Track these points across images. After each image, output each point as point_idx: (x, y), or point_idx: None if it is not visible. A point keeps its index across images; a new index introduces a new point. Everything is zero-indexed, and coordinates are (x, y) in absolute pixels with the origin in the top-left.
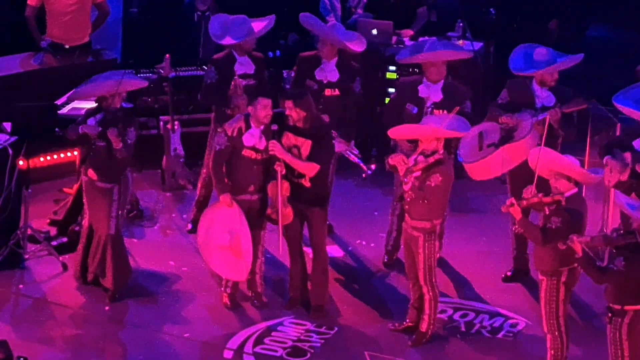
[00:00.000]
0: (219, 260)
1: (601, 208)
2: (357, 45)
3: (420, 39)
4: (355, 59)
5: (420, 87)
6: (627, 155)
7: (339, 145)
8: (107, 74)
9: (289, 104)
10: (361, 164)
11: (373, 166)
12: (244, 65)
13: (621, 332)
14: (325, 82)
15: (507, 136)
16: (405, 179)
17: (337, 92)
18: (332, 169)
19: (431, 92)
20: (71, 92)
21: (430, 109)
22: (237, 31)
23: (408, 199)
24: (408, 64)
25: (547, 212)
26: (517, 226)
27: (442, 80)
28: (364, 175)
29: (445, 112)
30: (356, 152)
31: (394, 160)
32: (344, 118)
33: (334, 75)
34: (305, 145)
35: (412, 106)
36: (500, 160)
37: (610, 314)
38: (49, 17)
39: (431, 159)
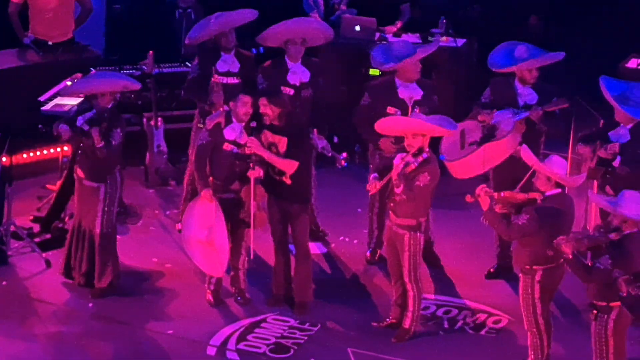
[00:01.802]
0: (199, 254)
1: (583, 206)
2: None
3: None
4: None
5: (399, 89)
6: (597, 145)
7: (321, 142)
8: (100, 72)
9: (262, 101)
10: (337, 156)
11: (344, 154)
12: (227, 63)
13: (607, 329)
14: (299, 84)
15: (489, 135)
16: (398, 182)
17: (310, 91)
18: (313, 164)
19: (410, 91)
20: (60, 88)
21: (413, 108)
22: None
23: (398, 200)
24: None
25: (525, 207)
26: (483, 216)
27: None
28: (339, 165)
29: (425, 108)
30: (329, 146)
31: (370, 187)
32: (316, 113)
33: (305, 76)
34: (282, 143)
35: (395, 109)
36: (481, 158)
37: (595, 311)
38: (32, 14)
39: (420, 159)
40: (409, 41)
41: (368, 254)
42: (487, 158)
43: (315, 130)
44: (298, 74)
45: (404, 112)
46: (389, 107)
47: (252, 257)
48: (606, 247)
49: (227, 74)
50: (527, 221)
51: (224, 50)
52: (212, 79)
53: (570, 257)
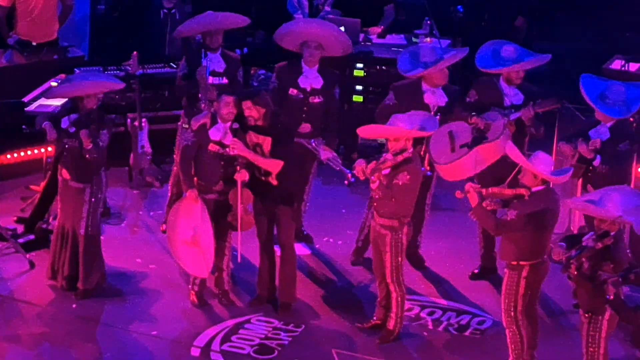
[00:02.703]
0: (184, 255)
1: (567, 206)
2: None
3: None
4: (332, 65)
5: (425, 95)
6: (578, 142)
7: (325, 153)
8: (84, 73)
9: (247, 104)
10: (345, 171)
11: (350, 175)
12: (213, 63)
13: (601, 331)
14: (309, 89)
15: (480, 137)
16: (372, 178)
17: (320, 99)
18: (313, 173)
19: (437, 97)
20: (44, 90)
21: (437, 115)
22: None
23: (376, 197)
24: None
25: (512, 203)
26: (471, 213)
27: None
28: (346, 182)
29: (449, 116)
30: (339, 160)
31: (356, 170)
32: (327, 125)
33: (317, 82)
34: (266, 142)
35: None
36: (473, 160)
37: (589, 314)
38: (18, 14)
39: (399, 157)
40: (436, 46)
41: (353, 257)
42: (479, 160)
43: (321, 139)
44: (310, 79)
45: None
46: (412, 111)
47: (239, 260)
48: (601, 252)
49: (213, 73)
50: (515, 217)
51: (209, 50)
52: (198, 72)
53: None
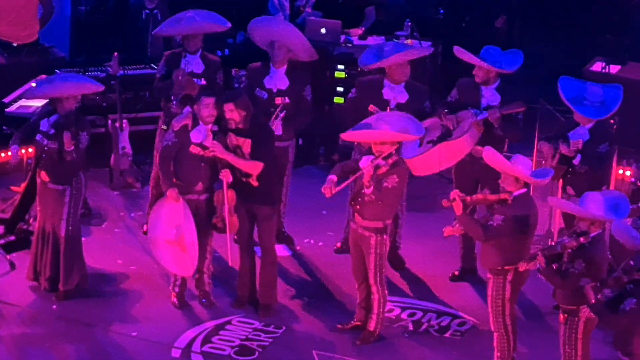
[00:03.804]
0: (167, 255)
1: (547, 208)
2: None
3: (370, 38)
4: (305, 66)
5: (384, 89)
6: (560, 143)
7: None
8: (63, 75)
9: (229, 106)
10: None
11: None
12: (191, 64)
13: (577, 332)
14: (275, 90)
15: (446, 134)
16: (368, 184)
17: (286, 100)
18: (287, 174)
19: (396, 93)
20: (24, 91)
21: (393, 110)
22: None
23: (367, 200)
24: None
25: (495, 209)
26: (457, 221)
27: (405, 80)
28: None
29: (408, 113)
30: None
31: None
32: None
33: (283, 84)
34: (246, 144)
35: (376, 108)
36: (437, 156)
37: (565, 315)
38: None
39: (390, 161)
40: (401, 43)
41: (339, 244)
42: (444, 157)
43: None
44: (275, 80)
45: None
46: (370, 105)
47: (231, 264)
48: (575, 251)
49: (191, 74)
50: (502, 222)
51: (188, 52)
52: (175, 73)
53: (544, 266)
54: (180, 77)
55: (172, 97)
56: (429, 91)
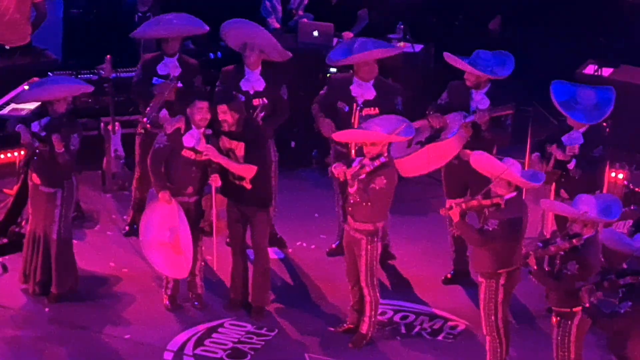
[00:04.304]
0: (161, 257)
1: (540, 211)
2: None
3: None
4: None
5: (352, 86)
6: (553, 148)
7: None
8: (53, 78)
9: (222, 108)
10: None
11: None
12: (168, 67)
13: (570, 335)
14: (252, 92)
15: (435, 135)
16: (352, 182)
17: (264, 101)
18: (274, 177)
19: (363, 90)
20: (15, 94)
21: (360, 107)
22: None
23: (352, 201)
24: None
25: (487, 214)
26: (454, 228)
27: (374, 78)
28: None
29: (376, 109)
30: None
31: (336, 171)
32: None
33: (259, 85)
34: (239, 148)
35: (344, 104)
36: (425, 158)
37: (558, 318)
38: None
39: (377, 162)
40: (370, 40)
41: (334, 245)
42: (432, 158)
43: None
44: (252, 82)
45: (352, 109)
46: (339, 102)
47: (215, 266)
48: (568, 253)
49: (167, 77)
50: (497, 226)
51: (165, 55)
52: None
53: (536, 267)
54: (166, 93)
55: (148, 110)
56: (401, 89)
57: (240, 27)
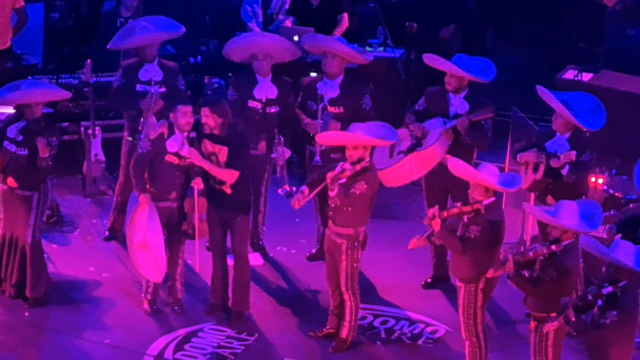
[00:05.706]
0: (140, 259)
1: (520, 215)
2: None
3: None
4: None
5: (318, 84)
6: (553, 161)
7: (287, 152)
8: (29, 81)
9: (205, 111)
10: (286, 179)
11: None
12: (149, 72)
13: (547, 339)
14: (264, 100)
15: (416, 144)
16: (332, 186)
17: (277, 108)
18: (265, 184)
19: (328, 88)
20: None
21: (324, 105)
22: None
23: (333, 205)
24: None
25: (466, 221)
26: (435, 237)
27: (341, 77)
28: (280, 191)
29: (341, 108)
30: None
31: (292, 202)
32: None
33: (272, 92)
34: (222, 152)
35: (312, 103)
36: (408, 167)
37: (535, 323)
38: None
39: (358, 167)
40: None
41: (314, 250)
42: (415, 167)
43: (281, 138)
44: (264, 89)
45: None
46: (308, 101)
47: (198, 269)
48: (547, 259)
49: (149, 82)
50: (479, 233)
51: (145, 61)
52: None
53: (513, 272)
54: (152, 106)
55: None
56: (369, 89)
57: (246, 41)
